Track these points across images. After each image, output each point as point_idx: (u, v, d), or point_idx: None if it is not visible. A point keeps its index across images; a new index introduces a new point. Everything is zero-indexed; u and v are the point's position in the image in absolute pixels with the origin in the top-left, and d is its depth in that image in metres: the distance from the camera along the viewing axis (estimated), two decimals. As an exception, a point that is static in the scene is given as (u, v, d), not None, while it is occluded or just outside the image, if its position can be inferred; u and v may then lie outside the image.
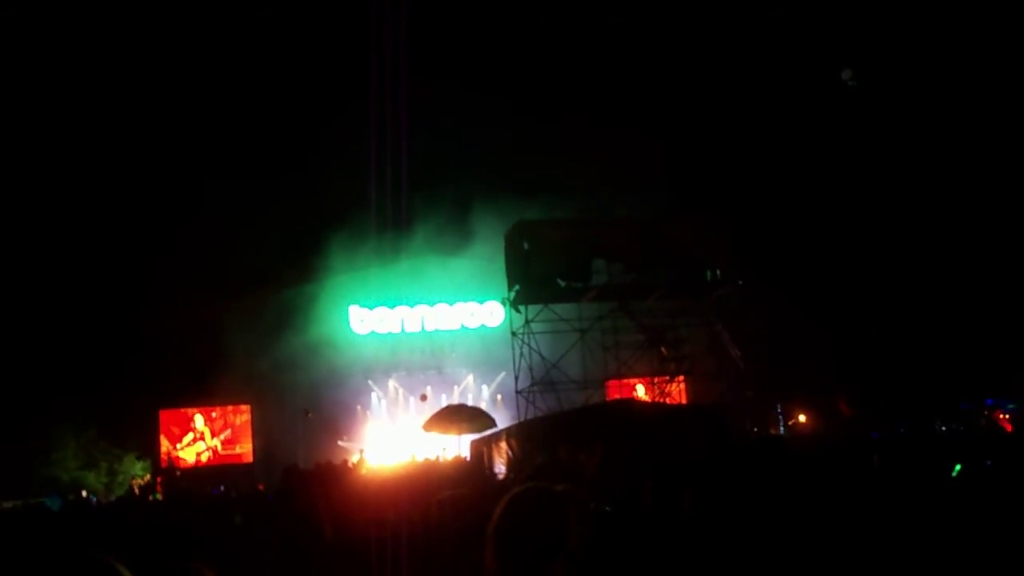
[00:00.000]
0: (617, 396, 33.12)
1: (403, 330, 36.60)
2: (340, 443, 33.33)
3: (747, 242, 29.95)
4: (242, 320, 33.69)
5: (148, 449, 36.21)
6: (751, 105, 34.71)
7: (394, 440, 32.75)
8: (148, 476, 35.04)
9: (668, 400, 30.38)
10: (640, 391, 34.95)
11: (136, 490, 31.88)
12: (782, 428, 30.69)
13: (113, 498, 30.18)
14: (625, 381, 33.71)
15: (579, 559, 3.54)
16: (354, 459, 26.89)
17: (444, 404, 29.42)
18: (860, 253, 32.34)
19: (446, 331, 37.02)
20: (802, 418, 31.44)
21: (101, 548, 3.43)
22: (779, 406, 31.90)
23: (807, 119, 33.41)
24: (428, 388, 35.63)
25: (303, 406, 33.32)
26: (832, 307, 32.12)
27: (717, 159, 34.71)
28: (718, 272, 29.12)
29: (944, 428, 24.24)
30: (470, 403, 33.59)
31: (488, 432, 24.35)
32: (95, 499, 28.69)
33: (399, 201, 31.11)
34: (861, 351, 30.27)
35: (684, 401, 31.71)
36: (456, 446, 25.89)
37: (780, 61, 34.24)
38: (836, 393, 29.11)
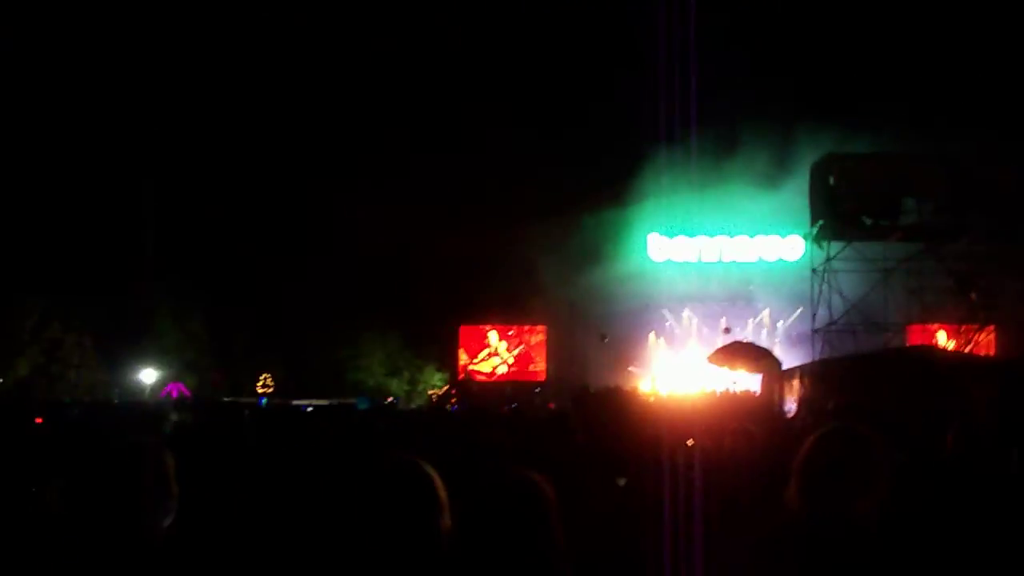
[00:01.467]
0: (918, 342, 31.84)
1: (700, 260, 36.30)
2: (630, 369, 33.63)
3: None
4: (542, 242, 34.49)
5: (447, 361, 38.01)
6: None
7: (685, 370, 32.68)
8: (445, 387, 36.83)
9: (974, 350, 28.82)
10: (942, 338, 33.34)
11: (433, 399, 33.65)
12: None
13: (413, 406, 32.00)
14: (928, 326, 32.31)
15: (886, 503, 3.53)
16: (645, 385, 27.18)
17: (738, 337, 29.06)
18: None
19: (744, 263, 36.41)
20: None
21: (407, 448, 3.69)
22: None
23: None
24: (723, 319, 35.24)
25: (598, 331, 33.81)
26: None
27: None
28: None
29: None
30: (764, 338, 33.22)
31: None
32: (398, 401, 30.55)
33: (700, 129, 31.13)
34: None
35: (992, 353, 29.97)
36: (746, 379, 25.65)
37: None
38: None
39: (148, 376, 34.13)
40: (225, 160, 35.36)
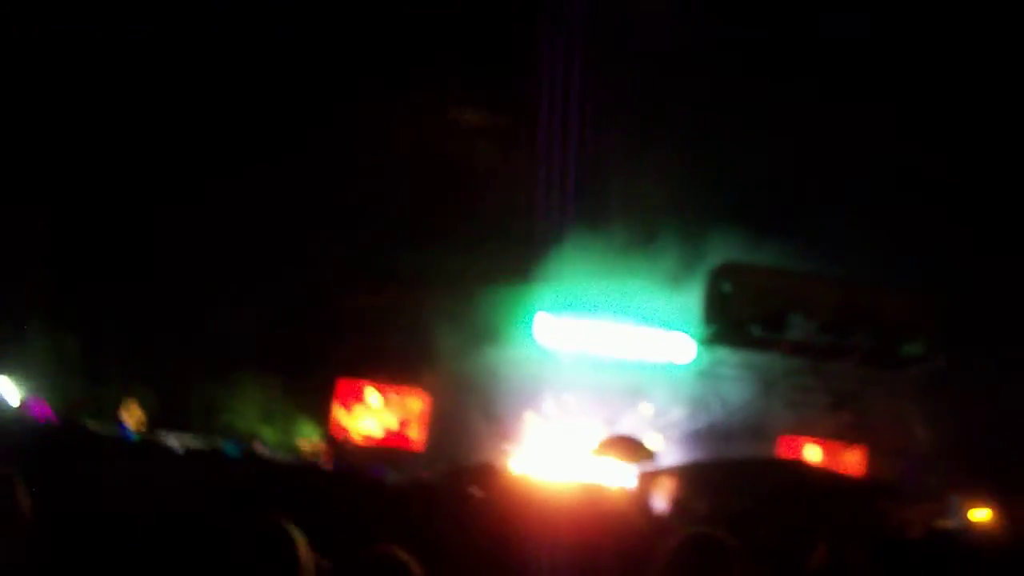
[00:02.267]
0: (789, 452, 32.49)
1: (587, 347, 36.50)
2: (505, 448, 33.50)
3: (958, 320, 28.75)
4: (435, 309, 34.39)
5: (323, 415, 37.39)
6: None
7: (559, 456, 32.68)
8: (320, 442, 36.17)
9: (842, 469, 29.48)
10: (812, 452, 34.08)
11: (307, 453, 32.99)
12: (958, 521, 29.28)
13: (282, 456, 31.31)
14: (798, 439, 32.96)
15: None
16: (517, 465, 27.07)
17: (616, 428, 29.17)
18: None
19: (631, 359, 36.72)
20: (981, 514, 29.96)
21: (278, 509, 3.55)
22: (958, 498, 30.38)
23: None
24: (600, 410, 35.32)
25: (478, 406, 33.65)
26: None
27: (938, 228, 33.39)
28: (919, 347, 28.16)
29: None
30: (640, 433, 33.41)
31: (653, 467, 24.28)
32: (267, 451, 29.87)
33: (603, 222, 31.57)
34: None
35: (858, 473, 30.68)
36: (620, 473, 25.74)
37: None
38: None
39: (5, 385, 32.55)
40: (103, 175, 34.48)
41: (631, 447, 24.33)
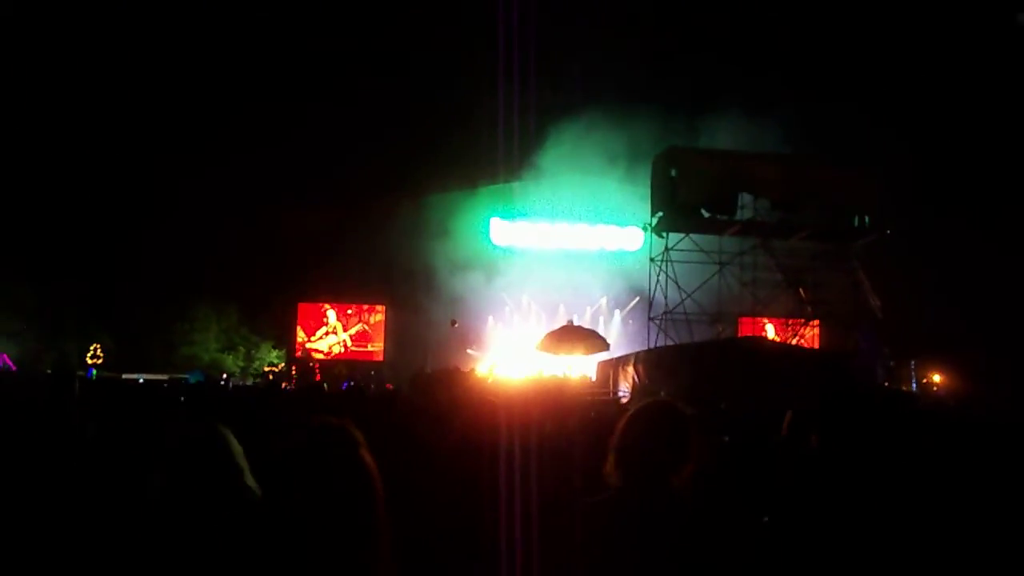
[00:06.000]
0: (749, 333, 32.99)
1: (542, 246, 36.67)
2: (469, 351, 33.73)
3: (900, 192, 29.06)
4: (384, 223, 34.34)
5: (284, 339, 37.45)
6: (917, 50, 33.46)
7: (522, 354, 32.97)
8: (283, 364, 36.32)
9: (800, 343, 29.98)
10: (771, 331, 34.64)
11: (270, 376, 33.09)
12: (914, 385, 29.95)
13: (249, 382, 31.42)
14: (758, 320, 33.45)
15: (700, 477, 3.61)
16: (484, 368, 27.24)
17: (574, 322, 29.36)
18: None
19: (584, 251, 36.93)
20: (936, 378, 30.67)
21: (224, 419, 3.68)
22: (913, 363, 31.03)
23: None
24: (561, 307, 35.56)
25: (438, 313, 33.76)
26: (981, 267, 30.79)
27: (878, 103, 33.57)
28: (866, 219, 28.44)
29: None
30: (601, 326, 33.73)
31: (616, 355, 24.55)
32: (231, 380, 29.94)
33: (538, 116, 31.41)
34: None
35: (816, 346, 31.20)
36: (582, 365, 26.04)
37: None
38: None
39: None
40: (56, 122, 33.84)
41: (576, 336, 24.53)
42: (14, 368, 28.90)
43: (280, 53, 36.10)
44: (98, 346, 33.62)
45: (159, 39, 35.04)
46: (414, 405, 6.79)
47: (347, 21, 37.48)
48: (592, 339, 24.31)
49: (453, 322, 33.37)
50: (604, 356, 24.87)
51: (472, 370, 23.60)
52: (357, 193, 34.89)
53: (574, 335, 24.59)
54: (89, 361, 33.00)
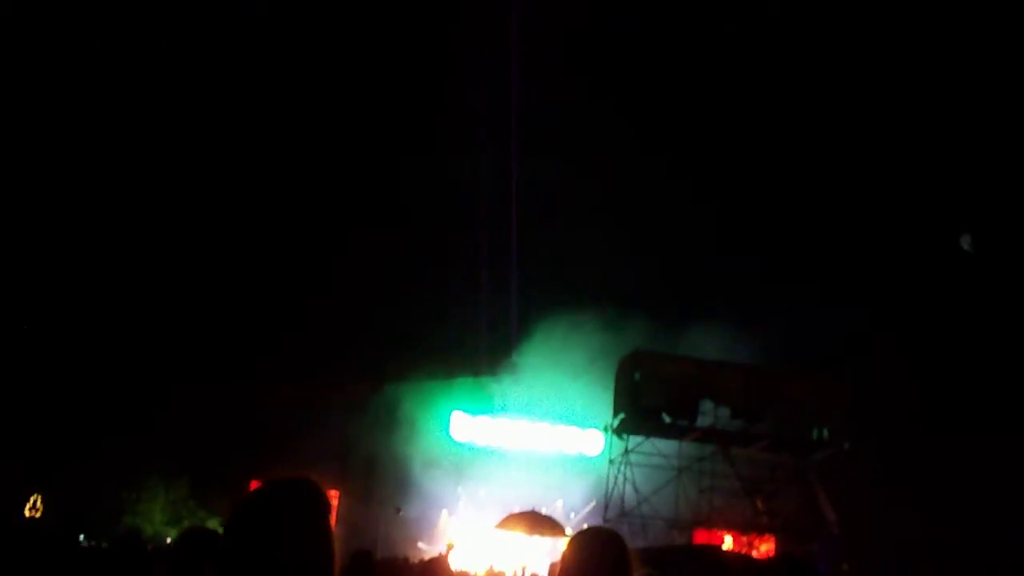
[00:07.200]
0: (704, 542, 32.59)
1: (500, 445, 36.46)
2: (420, 545, 33.12)
3: (864, 407, 29.31)
4: (346, 407, 34.19)
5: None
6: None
7: (474, 548, 32.38)
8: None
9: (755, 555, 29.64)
10: (728, 542, 34.24)
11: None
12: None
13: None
14: (715, 532, 33.12)
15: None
16: (442, 548, 26.78)
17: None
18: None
19: (543, 453, 36.72)
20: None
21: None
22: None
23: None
24: (516, 507, 35.14)
25: (390, 501, 33.29)
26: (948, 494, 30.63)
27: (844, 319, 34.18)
28: (825, 432, 28.64)
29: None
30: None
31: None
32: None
33: (514, 316, 31.79)
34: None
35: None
36: (535, 562, 25.62)
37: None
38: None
39: None
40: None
41: (535, 521, 24.33)
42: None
43: (250, 226, 36.65)
44: (39, 497, 32.64)
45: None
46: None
47: (332, 203, 38.22)
48: (553, 526, 24.08)
49: (397, 509, 32.91)
50: (559, 552, 24.47)
51: (422, 561, 23.21)
52: (326, 375, 34.87)
53: (536, 520, 24.37)
54: (27, 513, 31.99)
